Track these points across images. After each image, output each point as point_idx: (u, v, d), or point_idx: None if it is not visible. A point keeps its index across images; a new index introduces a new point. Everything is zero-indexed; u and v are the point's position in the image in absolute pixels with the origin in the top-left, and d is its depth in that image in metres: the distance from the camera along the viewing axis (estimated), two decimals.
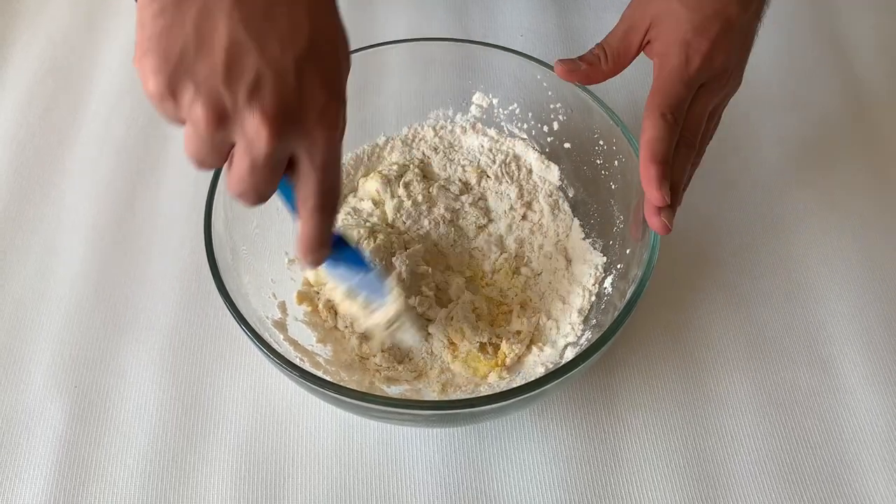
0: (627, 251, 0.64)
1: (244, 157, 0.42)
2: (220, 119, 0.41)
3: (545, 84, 0.70)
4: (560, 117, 0.71)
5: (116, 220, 0.76)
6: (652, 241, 0.59)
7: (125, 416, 0.66)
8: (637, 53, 0.61)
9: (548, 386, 0.54)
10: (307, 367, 0.59)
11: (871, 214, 0.77)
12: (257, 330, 0.56)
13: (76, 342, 0.69)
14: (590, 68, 0.61)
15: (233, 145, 0.43)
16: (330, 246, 0.49)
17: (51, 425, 0.65)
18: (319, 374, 0.58)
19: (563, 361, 0.61)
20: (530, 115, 0.73)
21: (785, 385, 0.68)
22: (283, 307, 0.65)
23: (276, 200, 0.63)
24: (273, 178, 0.44)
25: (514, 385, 0.61)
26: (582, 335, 0.63)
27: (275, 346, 0.57)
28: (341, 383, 0.58)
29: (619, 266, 0.65)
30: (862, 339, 0.70)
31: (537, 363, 0.64)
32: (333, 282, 0.59)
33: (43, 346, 0.69)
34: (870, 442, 0.65)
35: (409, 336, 0.62)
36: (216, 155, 0.43)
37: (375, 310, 0.59)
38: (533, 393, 0.54)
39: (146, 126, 0.83)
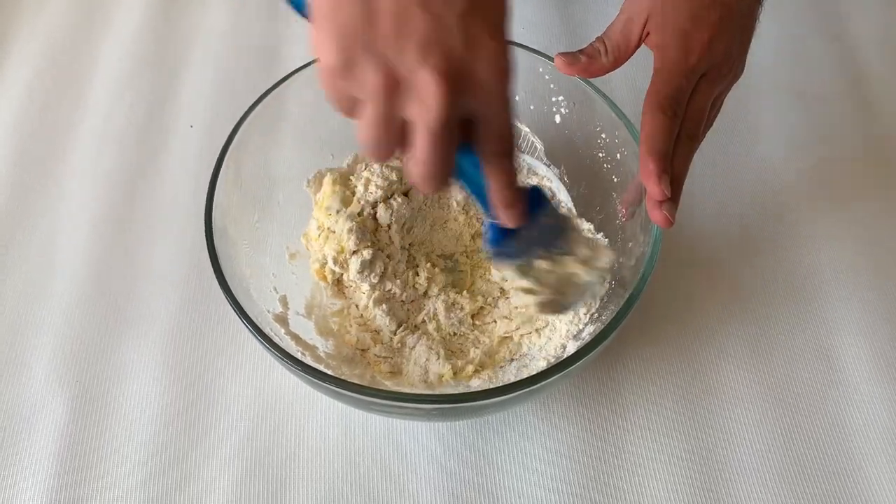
0: (630, 245, 0.64)
1: (421, 126, 0.42)
2: (393, 86, 0.41)
3: (547, 77, 0.70)
4: (562, 110, 0.71)
5: (117, 214, 0.76)
6: (654, 234, 0.59)
7: (127, 411, 0.66)
8: (637, 46, 0.60)
9: (550, 380, 0.54)
10: (309, 361, 0.59)
11: (876, 208, 0.77)
12: (258, 324, 0.56)
13: (77, 336, 0.69)
14: (590, 61, 0.61)
15: (407, 124, 0.42)
16: (523, 195, 0.48)
17: (52, 420, 0.65)
18: (321, 368, 0.58)
19: (566, 355, 0.61)
20: (532, 107, 0.73)
21: (788, 380, 0.68)
22: (284, 301, 0.65)
23: (273, 196, 0.63)
24: (452, 146, 0.43)
25: (517, 379, 0.61)
26: (584, 329, 0.63)
27: (276, 340, 0.57)
28: (343, 377, 0.58)
29: (621, 259, 0.65)
30: (865, 334, 0.70)
31: (538, 356, 0.64)
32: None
33: (44, 341, 0.69)
34: (873, 437, 0.65)
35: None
36: (392, 133, 0.42)
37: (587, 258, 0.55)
38: (535, 387, 0.54)
39: (147, 120, 0.83)
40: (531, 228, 0.51)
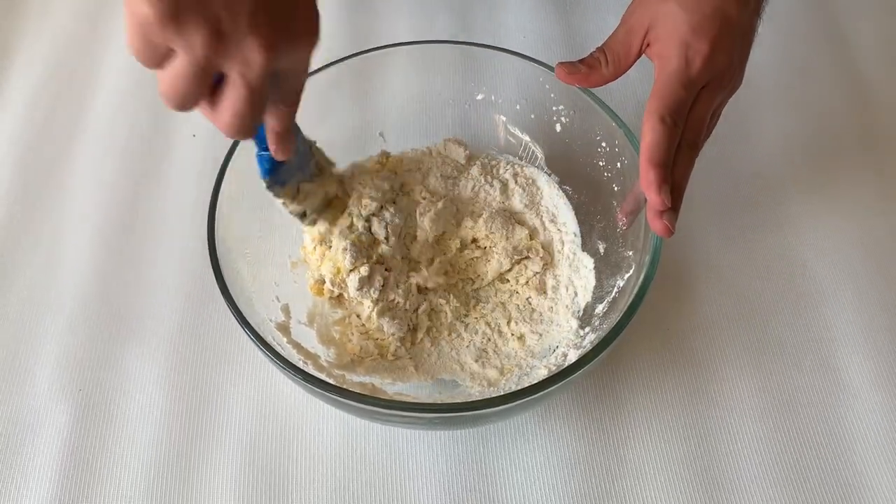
0: (630, 253, 0.64)
1: (241, 82, 0.45)
2: (219, 41, 0.43)
3: (548, 86, 0.70)
4: (563, 119, 0.71)
5: (120, 222, 0.77)
6: (654, 243, 0.59)
7: (129, 419, 0.66)
8: (637, 56, 0.61)
9: (551, 389, 0.54)
10: (310, 370, 0.59)
11: (876, 215, 0.77)
12: (260, 333, 0.56)
13: (81, 345, 0.69)
14: (590, 71, 0.61)
15: (216, 78, 0.45)
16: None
17: (55, 428, 0.65)
18: (322, 376, 0.58)
19: (567, 364, 0.61)
20: (532, 116, 0.73)
21: (789, 388, 0.68)
22: (286, 310, 0.65)
23: (275, 206, 0.63)
24: (263, 101, 0.47)
25: (518, 388, 0.61)
26: (585, 337, 0.63)
27: (278, 349, 0.57)
28: (344, 386, 0.59)
29: (621, 268, 0.65)
30: (867, 341, 0.70)
31: (539, 366, 0.64)
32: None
33: (47, 349, 0.69)
34: (875, 445, 0.65)
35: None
36: (203, 86, 0.45)
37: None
38: (536, 396, 0.54)
39: (150, 127, 0.83)
40: (292, 159, 0.58)
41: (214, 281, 0.58)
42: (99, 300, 0.72)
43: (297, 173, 0.61)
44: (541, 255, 0.69)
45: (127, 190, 0.79)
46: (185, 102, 0.46)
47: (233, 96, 0.46)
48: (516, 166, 0.74)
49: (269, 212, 0.68)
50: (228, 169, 0.63)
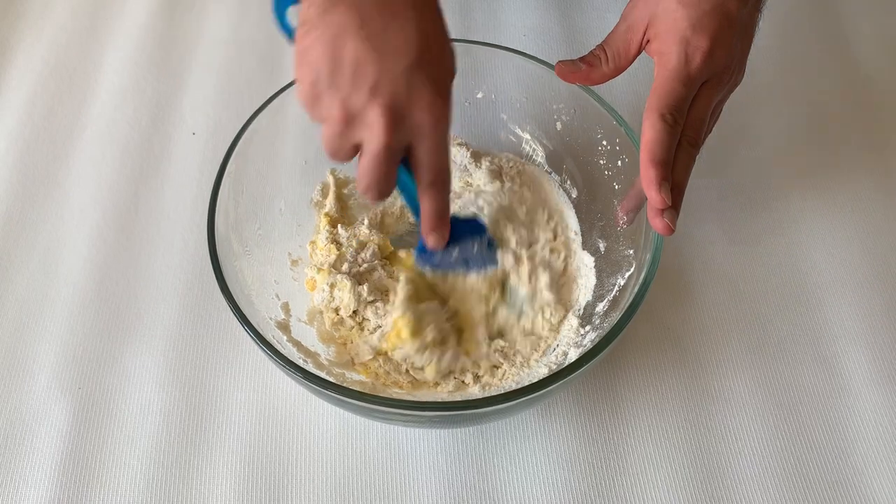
0: (630, 252, 0.64)
1: (368, 150, 0.51)
2: (349, 117, 0.50)
3: (548, 84, 0.70)
4: (563, 117, 0.71)
5: (120, 220, 0.77)
6: (655, 242, 0.59)
7: (129, 418, 0.66)
8: (637, 53, 0.61)
9: (551, 387, 0.54)
10: (311, 368, 0.59)
11: (876, 212, 0.77)
12: (261, 331, 0.56)
13: (80, 343, 0.69)
14: (590, 69, 0.61)
15: (359, 144, 0.52)
16: (448, 219, 0.58)
17: (54, 426, 0.65)
18: (323, 375, 0.58)
19: (567, 362, 0.61)
20: (533, 115, 0.73)
21: (789, 385, 0.68)
22: (286, 308, 0.65)
23: (275, 204, 0.63)
24: (391, 167, 0.52)
25: (518, 386, 0.61)
26: (585, 336, 0.63)
27: (278, 347, 0.57)
28: (345, 384, 0.58)
29: (622, 267, 0.65)
30: (867, 338, 0.70)
31: (540, 363, 0.64)
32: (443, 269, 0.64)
33: (46, 348, 0.69)
34: (874, 442, 0.65)
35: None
36: (346, 150, 0.52)
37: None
38: (537, 394, 0.54)
39: (149, 127, 0.83)
40: (459, 249, 0.63)
41: (214, 279, 0.58)
42: (98, 298, 0.72)
43: (456, 265, 0.64)
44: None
45: (126, 188, 0.79)
46: (336, 156, 0.53)
47: (363, 160, 0.52)
48: (517, 164, 0.74)
49: (269, 210, 0.69)
50: (228, 167, 0.63)
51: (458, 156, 0.74)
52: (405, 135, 0.51)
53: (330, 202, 0.72)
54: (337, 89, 0.50)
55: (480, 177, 0.72)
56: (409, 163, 0.54)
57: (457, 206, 0.69)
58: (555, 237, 0.70)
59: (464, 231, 0.63)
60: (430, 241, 0.59)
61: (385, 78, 0.49)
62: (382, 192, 0.54)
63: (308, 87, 0.51)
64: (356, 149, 0.52)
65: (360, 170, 0.52)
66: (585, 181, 0.71)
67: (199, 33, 0.91)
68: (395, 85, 0.50)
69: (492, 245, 0.65)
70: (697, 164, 0.58)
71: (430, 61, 0.51)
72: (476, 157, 0.74)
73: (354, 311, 0.65)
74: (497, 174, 0.73)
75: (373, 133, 0.50)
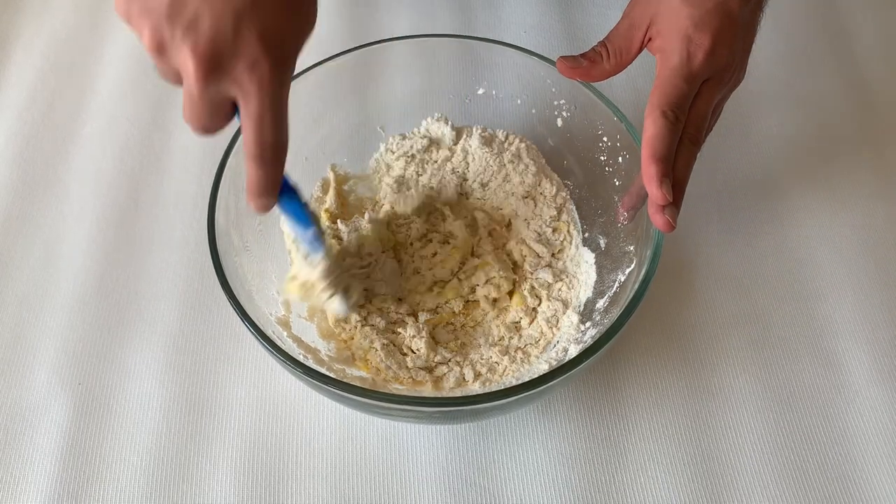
0: (631, 248, 0.64)
1: (185, 89, 0.48)
2: (160, 48, 0.46)
3: (549, 80, 0.70)
4: (564, 114, 0.71)
5: (120, 216, 0.77)
6: (656, 238, 0.59)
7: (129, 413, 0.66)
8: (639, 50, 0.61)
9: (551, 383, 0.54)
10: (311, 363, 0.59)
11: (876, 210, 0.77)
12: (261, 327, 0.56)
13: (80, 339, 0.69)
14: (591, 65, 0.61)
15: (176, 72, 0.48)
16: (271, 195, 0.52)
17: (55, 422, 0.65)
18: (323, 370, 0.58)
19: (567, 358, 0.61)
20: (534, 111, 0.73)
21: (790, 382, 0.68)
22: (286, 304, 0.65)
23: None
24: (212, 114, 0.48)
25: (518, 382, 0.61)
26: (585, 332, 0.63)
27: (279, 342, 0.57)
28: (345, 380, 0.59)
29: (622, 263, 0.65)
30: (867, 335, 0.70)
31: (540, 359, 0.64)
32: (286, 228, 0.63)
33: (47, 343, 0.69)
34: (875, 439, 0.65)
35: (334, 304, 0.63)
36: (166, 77, 0.49)
37: (312, 265, 0.61)
38: (537, 390, 0.54)
39: (149, 122, 0.83)
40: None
41: (214, 275, 0.58)
42: (98, 294, 0.72)
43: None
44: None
45: (127, 184, 0.79)
46: (163, 77, 0.49)
47: (183, 97, 0.48)
48: (516, 140, 0.74)
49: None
50: (228, 162, 0.63)
51: (440, 131, 0.74)
52: (226, 88, 0.47)
53: (330, 198, 0.72)
54: (151, 14, 0.45)
55: (472, 143, 0.72)
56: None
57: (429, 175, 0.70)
58: (559, 215, 0.70)
59: (292, 210, 0.58)
60: (249, 205, 0.53)
61: (206, 15, 0.45)
62: (204, 131, 0.50)
63: (122, 7, 0.46)
64: (176, 77, 0.48)
65: (183, 104, 0.49)
66: (586, 177, 0.71)
67: None
68: (215, 27, 0.45)
69: (316, 239, 0.60)
70: (698, 162, 0.58)
71: (272, 11, 0.46)
72: (459, 132, 0.74)
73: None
74: (489, 141, 0.72)
75: (186, 75, 0.46)
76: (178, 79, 0.48)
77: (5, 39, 0.90)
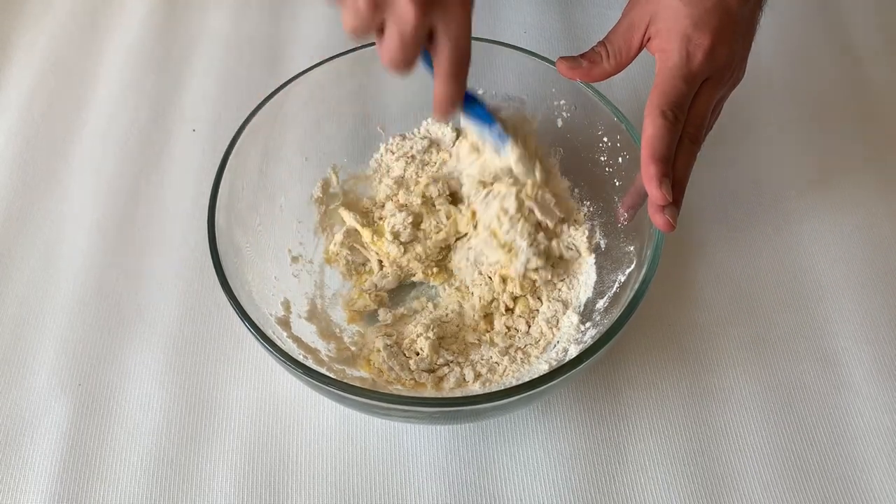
0: (631, 248, 0.64)
1: (395, 32, 0.52)
2: (377, 2, 0.51)
3: (549, 81, 0.70)
4: (564, 114, 0.71)
5: (120, 217, 0.77)
6: (656, 238, 0.59)
7: (129, 414, 0.66)
8: (639, 50, 0.61)
9: (551, 383, 0.54)
10: (311, 364, 0.59)
11: (876, 210, 0.77)
12: (261, 327, 0.56)
13: (80, 340, 0.69)
14: (591, 65, 0.61)
15: (383, 22, 0.52)
16: (460, 105, 0.58)
17: (55, 423, 0.65)
18: (323, 371, 0.58)
19: (567, 359, 0.61)
20: (534, 111, 0.73)
21: (789, 382, 0.68)
22: (286, 304, 0.65)
23: (275, 200, 0.63)
24: (417, 47, 0.53)
25: (518, 383, 0.61)
26: (585, 332, 0.63)
27: (279, 343, 0.57)
28: (345, 380, 0.58)
29: (622, 263, 0.65)
30: (867, 335, 0.70)
31: (540, 360, 0.64)
32: (468, 130, 0.66)
33: (47, 345, 0.69)
34: (874, 439, 0.65)
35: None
36: (369, 29, 0.53)
37: (503, 155, 0.65)
38: (537, 390, 0.54)
39: (149, 123, 0.83)
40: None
41: (214, 276, 0.58)
42: (98, 295, 0.72)
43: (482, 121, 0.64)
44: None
45: (127, 185, 0.79)
46: (356, 35, 0.53)
47: (387, 43, 0.53)
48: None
49: (270, 206, 0.69)
50: (229, 163, 0.63)
51: (441, 132, 0.74)
52: (432, 19, 0.52)
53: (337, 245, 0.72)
54: None
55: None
56: (428, 46, 0.55)
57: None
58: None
59: (476, 113, 0.64)
60: (436, 117, 0.59)
61: None
62: (408, 67, 0.54)
63: None
64: (379, 27, 0.53)
65: (386, 48, 0.53)
66: (586, 178, 0.71)
67: (199, 29, 0.91)
68: None
69: (501, 135, 0.64)
70: (698, 161, 0.58)
71: None
72: (459, 133, 0.74)
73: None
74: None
75: (401, 17, 0.51)
76: (375, 28, 0.53)
77: (6, 40, 0.90)
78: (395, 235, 0.69)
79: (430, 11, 0.52)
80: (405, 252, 0.69)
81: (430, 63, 0.57)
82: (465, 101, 0.60)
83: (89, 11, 0.93)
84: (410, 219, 0.69)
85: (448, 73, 0.55)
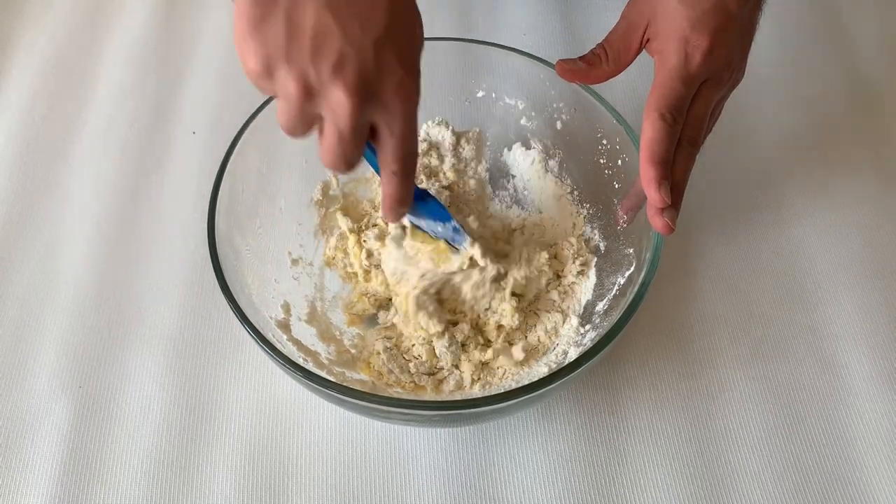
0: (630, 251, 0.64)
1: (331, 128, 0.48)
2: (308, 93, 0.46)
3: (548, 83, 0.70)
4: (563, 116, 0.71)
5: (120, 219, 0.77)
6: (655, 241, 0.59)
7: (129, 417, 0.66)
8: (638, 52, 0.61)
9: (551, 386, 0.54)
10: (311, 367, 0.59)
11: (876, 211, 0.77)
12: (261, 330, 0.56)
13: (80, 342, 0.69)
14: (590, 68, 0.61)
15: (319, 117, 0.48)
16: (410, 203, 0.55)
17: (55, 425, 0.65)
18: (323, 374, 0.58)
19: (567, 361, 0.61)
20: (533, 114, 0.73)
21: (788, 384, 0.68)
22: (286, 307, 0.65)
23: (275, 203, 0.63)
24: (357, 146, 0.49)
25: (518, 385, 0.61)
26: (585, 335, 0.63)
27: (278, 346, 0.57)
28: (345, 383, 0.59)
29: (622, 266, 0.65)
30: (867, 337, 0.70)
31: (540, 362, 0.64)
32: (415, 229, 0.64)
33: (47, 347, 0.69)
34: (874, 441, 0.65)
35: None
36: (304, 125, 0.49)
37: (464, 251, 0.63)
38: (536, 393, 0.54)
39: (149, 125, 0.83)
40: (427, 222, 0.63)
41: (214, 278, 0.58)
42: (99, 297, 0.72)
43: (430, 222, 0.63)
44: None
45: (127, 187, 0.79)
46: (292, 133, 0.49)
47: (326, 140, 0.49)
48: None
49: (270, 209, 0.69)
50: (229, 166, 0.63)
51: (440, 135, 0.74)
52: (371, 114, 0.48)
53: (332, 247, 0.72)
54: (294, 62, 0.46)
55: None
56: (373, 142, 0.51)
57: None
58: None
59: (430, 211, 0.62)
60: (387, 218, 0.56)
61: (350, 52, 0.46)
62: (349, 167, 0.50)
63: (259, 60, 0.46)
64: (314, 124, 0.49)
65: (324, 148, 0.49)
66: (585, 180, 0.71)
67: (199, 31, 0.91)
68: (361, 60, 0.46)
69: (457, 230, 0.63)
70: (697, 163, 0.58)
71: (400, 31, 0.48)
72: (458, 136, 0.74)
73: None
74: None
75: (337, 114, 0.47)
76: (312, 125, 0.49)
77: (6, 41, 0.90)
78: (369, 254, 0.69)
79: (367, 105, 0.47)
80: (369, 278, 0.69)
81: (372, 162, 0.54)
82: (416, 199, 0.58)
83: (89, 12, 0.93)
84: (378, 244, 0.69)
85: (394, 171, 0.51)
